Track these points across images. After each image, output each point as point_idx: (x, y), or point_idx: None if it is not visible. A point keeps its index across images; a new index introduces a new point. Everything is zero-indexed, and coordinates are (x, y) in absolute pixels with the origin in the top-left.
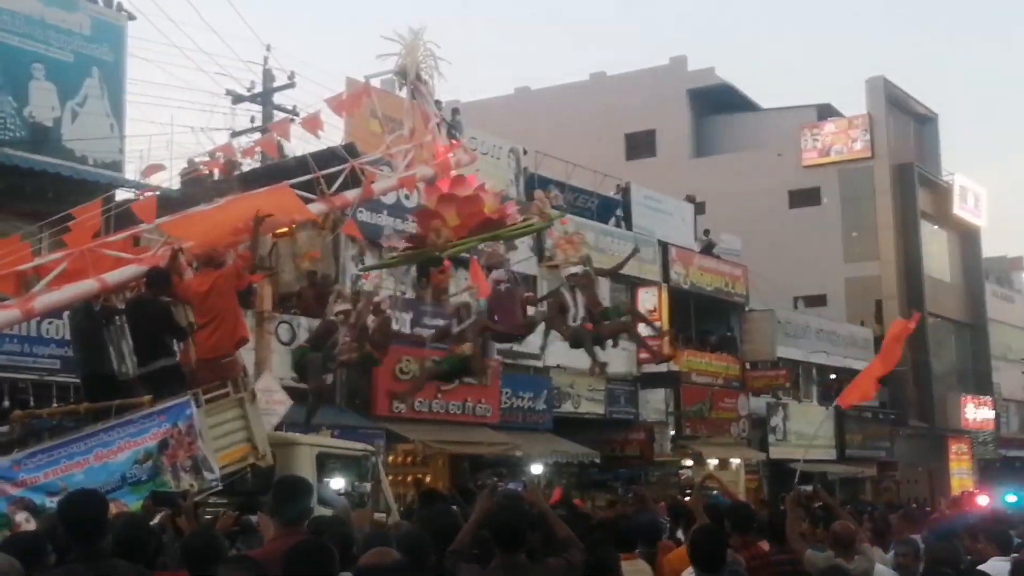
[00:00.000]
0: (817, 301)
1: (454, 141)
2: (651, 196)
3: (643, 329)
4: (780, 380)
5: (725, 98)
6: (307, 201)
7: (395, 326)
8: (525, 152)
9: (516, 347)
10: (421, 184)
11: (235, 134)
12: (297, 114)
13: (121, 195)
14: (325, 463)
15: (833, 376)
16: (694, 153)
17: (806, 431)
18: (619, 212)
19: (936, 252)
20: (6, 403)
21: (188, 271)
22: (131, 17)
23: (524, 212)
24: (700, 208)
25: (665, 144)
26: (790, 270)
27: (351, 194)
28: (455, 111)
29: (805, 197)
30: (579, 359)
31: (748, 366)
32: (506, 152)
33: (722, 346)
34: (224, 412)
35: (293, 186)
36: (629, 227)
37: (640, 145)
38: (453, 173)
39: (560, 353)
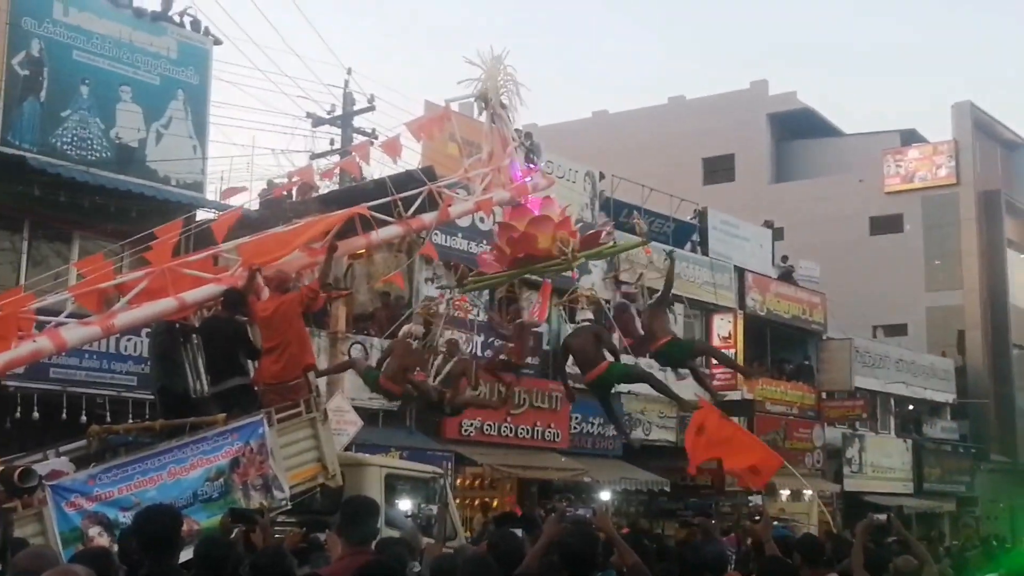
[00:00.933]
0: (897, 330)
1: (531, 165)
2: (728, 221)
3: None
4: (857, 410)
5: (806, 123)
6: (384, 223)
7: (474, 391)
8: (602, 176)
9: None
10: (499, 207)
11: (315, 156)
12: (376, 137)
13: (202, 215)
14: (393, 484)
15: (911, 407)
16: (773, 178)
17: (883, 463)
18: (695, 237)
19: (1022, 281)
20: (83, 418)
21: (265, 292)
22: (217, 42)
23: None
24: (778, 234)
25: (744, 169)
26: (870, 298)
27: (428, 217)
28: (529, 135)
29: (887, 224)
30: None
31: (824, 396)
32: (582, 176)
33: (798, 375)
34: (296, 432)
35: (371, 208)
36: (705, 252)
37: (718, 170)
38: (531, 196)
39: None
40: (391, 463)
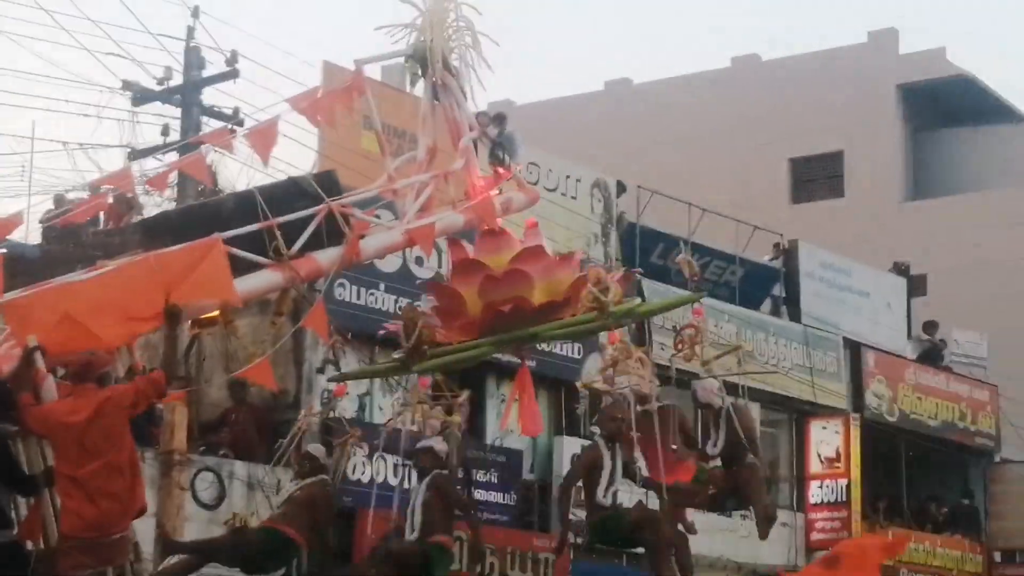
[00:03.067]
0: None
1: (501, 169)
2: (833, 264)
3: None
4: None
5: (962, 100)
6: (253, 267)
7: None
8: (621, 188)
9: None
10: (444, 240)
11: (135, 154)
12: (241, 122)
13: None
14: None
15: None
16: (909, 193)
17: None
18: (778, 290)
19: None
20: None
21: (49, 383)
22: None
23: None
24: (918, 286)
25: (859, 176)
26: None
27: (326, 256)
28: (500, 117)
29: None
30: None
31: (999, 557)
32: (588, 187)
33: (955, 522)
34: None
35: (230, 241)
36: (795, 315)
37: (816, 178)
38: (499, 221)
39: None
40: None
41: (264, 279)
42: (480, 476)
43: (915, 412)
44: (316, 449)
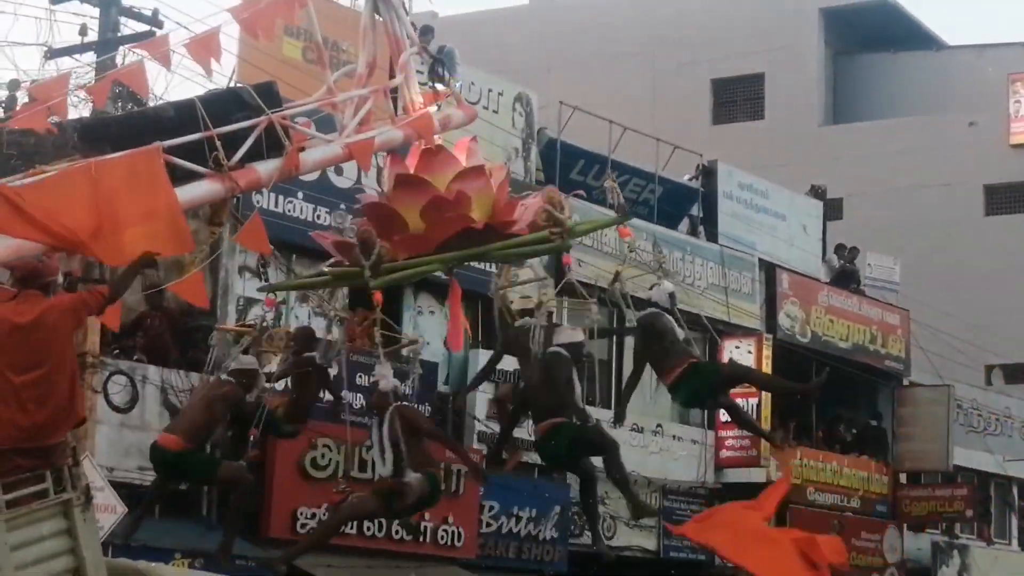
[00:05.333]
0: None
1: (440, 85)
2: (752, 186)
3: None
4: (958, 505)
5: (884, 26)
6: (192, 176)
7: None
8: (533, 105)
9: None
10: (383, 156)
11: (52, 54)
12: (160, 24)
13: None
14: None
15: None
16: (828, 117)
17: None
18: (696, 211)
19: None
20: None
21: None
22: None
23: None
24: (834, 209)
25: (779, 99)
26: (983, 319)
27: (265, 168)
28: (426, 30)
29: (1013, 196)
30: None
31: (904, 479)
32: (510, 101)
33: (862, 444)
34: (36, 525)
35: (170, 150)
36: (712, 236)
37: (736, 100)
38: (438, 139)
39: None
40: None
41: (204, 189)
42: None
43: (827, 334)
44: (247, 360)
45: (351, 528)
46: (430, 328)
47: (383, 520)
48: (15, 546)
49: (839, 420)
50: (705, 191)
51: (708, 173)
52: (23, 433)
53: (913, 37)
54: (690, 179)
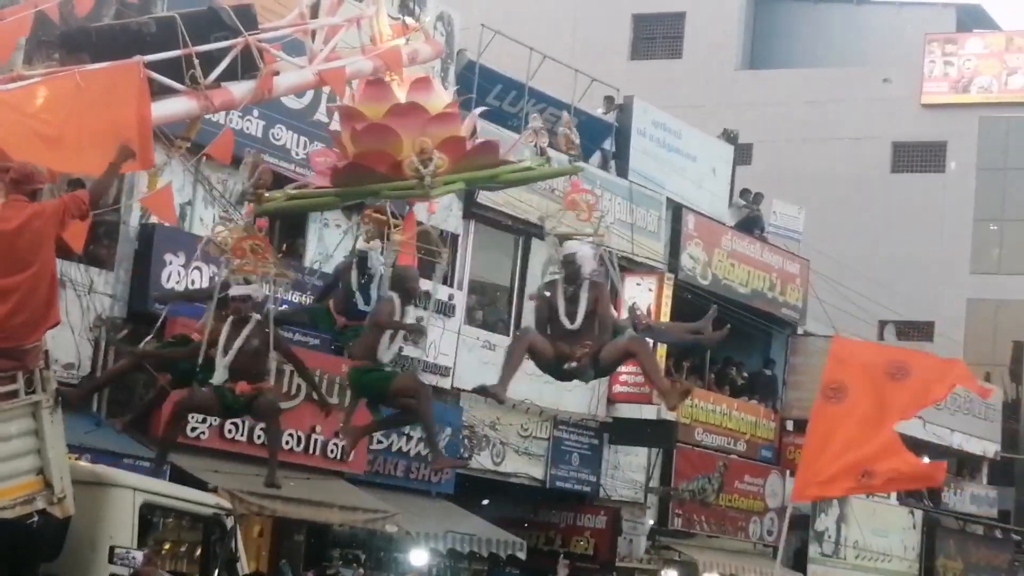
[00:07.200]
0: (918, 331)
1: (409, 20)
2: (665, 124)
3: None
4: None
5: None
6: (167, 91)
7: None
8: (454, 25)
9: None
10: (354, 84)
11: None
12: None
13: None
14: (153, 519)
15: (927, 459)
16: (744, 61)
17: (874, 545)
18: (608, 144)
19: None
20: None
21: None
22: None
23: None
24: (744, 154)
25: (698, 40)
26: (880, 275)
27: (239, 88)
28: None
29: (920, 155)
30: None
31: (791, 427)
32: (432, 20)
33: (752, 388)
34: (5, 423)
35: (149, 65)
36: (623, 171)
37: (655, 36)
38: (405, 72)
39: (481, 371)
40: (152, 486)
41: (179, 105)
42: (297, 299)
43: (727, 278)
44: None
45: (241, 435)
46: (334, 241)
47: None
48: None
49: (732, 364)
50: (619, 126)
51: (623, 108)
52: (4, 334)
53: None
54: (604, 113)
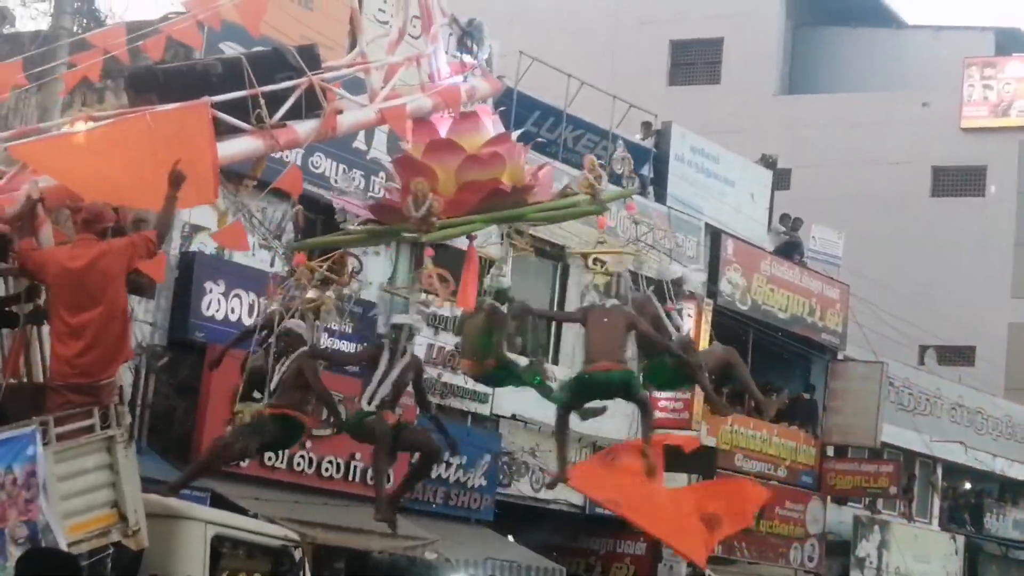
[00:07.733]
0: (960, 356)
1: (466, 59)
2: (703, 149)
3: None
4: (882, 481)
5: (844, 1)
6: (233, 131)
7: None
8: (493, 53)
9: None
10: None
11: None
12: None
13: None
14: (224, 551)
15: (970, 484)
16: (782, 86)
17: (917, 570)
18: (646, 170)
19: None
20: None
21: (47, 230)
22: None
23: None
24: (782, 179)
25: (736, 65)
26: (921, 300)
27: (303, 128)
28: None
29: (960, 180)
30: (548, 409)
31: (832, 452)
32: (490, 56)
33: (792, 414)
34: (83, 457)
35: (215, 106)
36: (661, 197)
37: (695, 62)
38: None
39: (518, 398)
40: (222, 519)
41: (245, 144)
42: (334, 325)
43: (767, 303)
44: (296, 325)
45: (281, 463)
46: (375, 268)
47: (312, 455)
48: (62, 477)
49: (773, 390)
50: (657, 152)
51: (660, 134)
52: (76, 371)
53: (873, 13)
54: (642, 139)
